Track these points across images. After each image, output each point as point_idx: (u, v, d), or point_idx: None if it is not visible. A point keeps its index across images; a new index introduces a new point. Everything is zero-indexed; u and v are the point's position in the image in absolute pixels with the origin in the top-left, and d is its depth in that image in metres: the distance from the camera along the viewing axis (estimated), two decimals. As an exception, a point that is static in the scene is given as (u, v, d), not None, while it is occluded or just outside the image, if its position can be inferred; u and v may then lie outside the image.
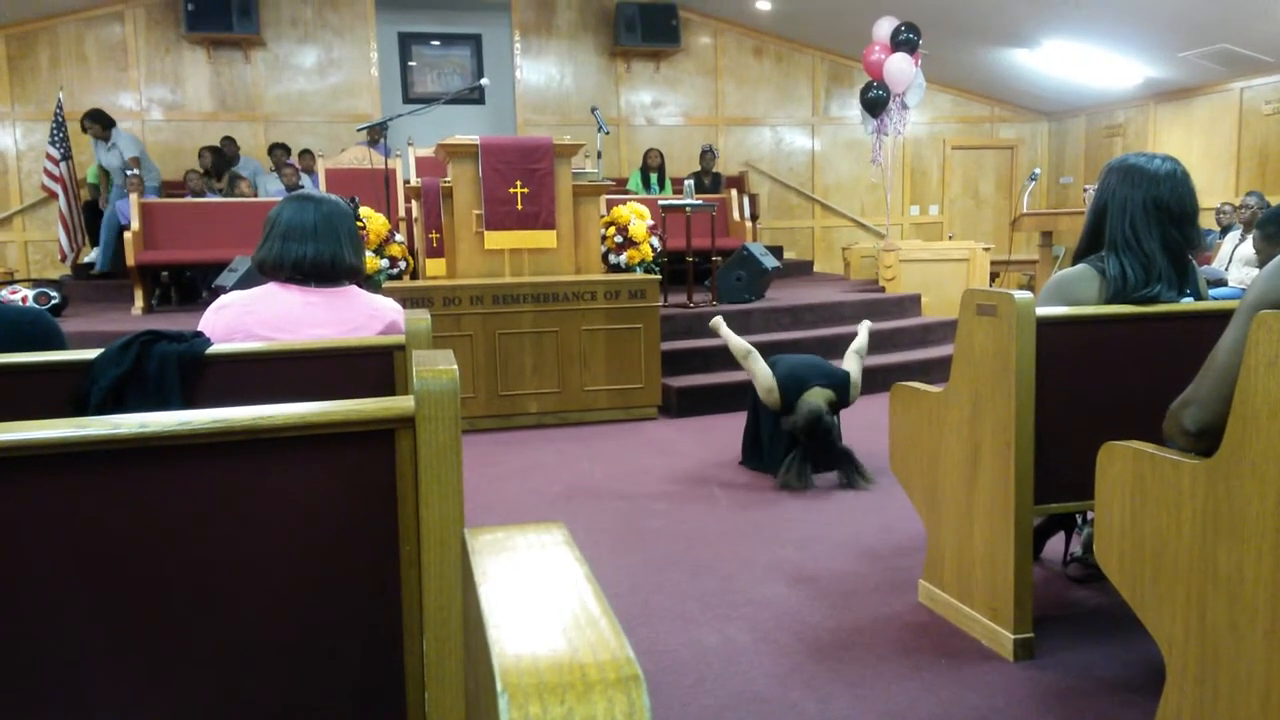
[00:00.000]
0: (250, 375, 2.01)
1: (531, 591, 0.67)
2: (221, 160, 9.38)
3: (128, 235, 7.50)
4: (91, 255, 9.31)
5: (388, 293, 4.87)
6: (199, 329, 2.16)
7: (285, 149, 9.56)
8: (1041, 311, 2.43)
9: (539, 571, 0.71)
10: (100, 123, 8.81)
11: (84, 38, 9.98)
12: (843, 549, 3.41)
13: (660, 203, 6.95)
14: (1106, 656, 2.49)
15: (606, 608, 0.63)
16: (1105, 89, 10.84)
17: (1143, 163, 2.54)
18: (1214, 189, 9.59)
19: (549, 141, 5.81)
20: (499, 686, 0.53)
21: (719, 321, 4.83)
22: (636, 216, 6.28)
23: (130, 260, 7.48)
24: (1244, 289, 3.19)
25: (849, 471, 4.20)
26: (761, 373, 4.36)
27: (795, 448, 4.20)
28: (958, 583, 2.72)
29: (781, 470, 4.19)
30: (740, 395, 5.07)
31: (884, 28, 8.58)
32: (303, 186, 8.78)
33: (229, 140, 9.82)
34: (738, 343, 4.58)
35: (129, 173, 8.91)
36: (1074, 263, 2.67)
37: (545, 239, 5.80)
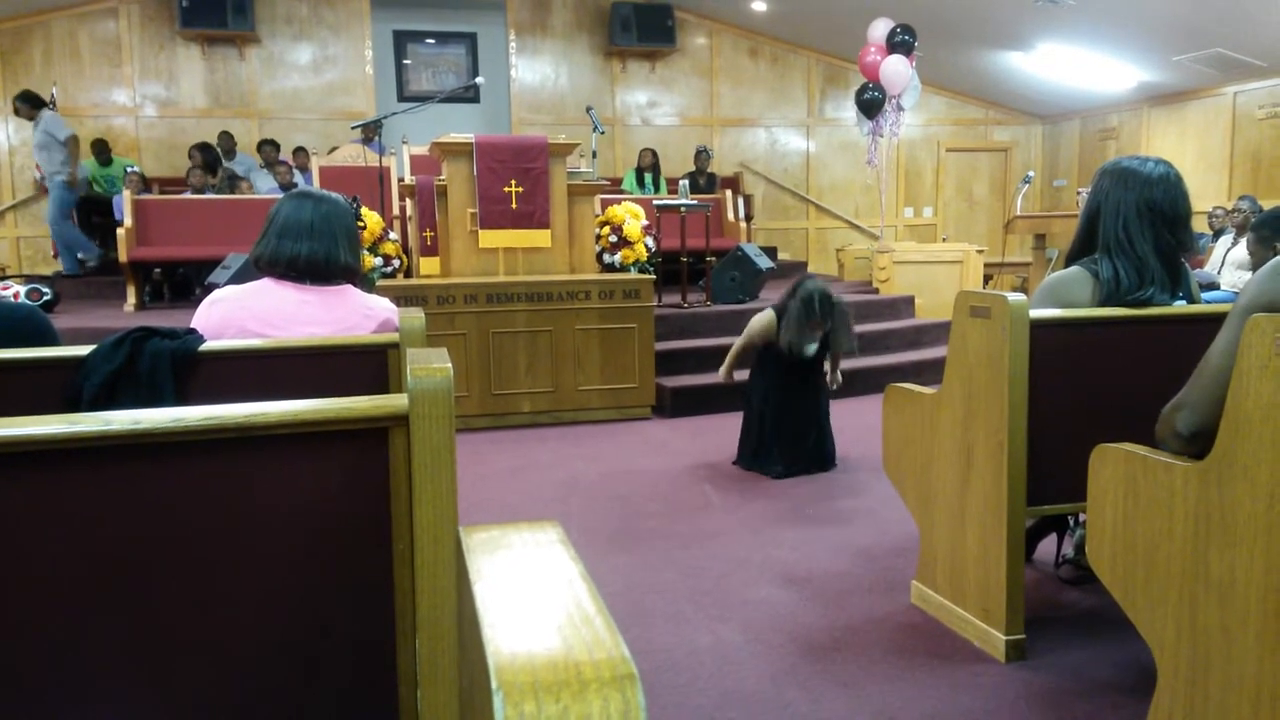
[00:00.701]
0: (243, 373, 2.01)
1: (526, 590, 0.67)
2: (212, 156, 9.36)
3: (121, 232, 7.48)
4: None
5: (382, 291, 4.87)
6: (193, 323, 2.16)
7: (275, 145, 9.52)
8: (1035, 313, 2.44)
9: (534, 570, 0.71)
10: (30, 103, 8.40)
11: (78, 33, 9.94)
12: (836, 549, 3.41)
13: (655, 203, 6.94)
14: (1098, 658, 2.50)
15: (601, 606, 0.62)
16: (1099, 92, 10.87)
17: (1136, 165, 2.55)
18: (1206, 193, 9.63)
19: (544, 141, 5.81)
20: (494, 684, 0.53)
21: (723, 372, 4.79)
22: (631, 216, 6.28)
23: (123, 257, 7.46)
24: (1236, 292, 3.20)
25: (842, 332, 4.36)
26: (755, 320, 4.47)
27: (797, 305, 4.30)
28: (950, 584, 2.73)
29: (783, 329, 4.29)
30: (734, 395, 5.07)
31: (879, 29, 8.59)
32: (296, 184, 8.76)
33: (226, 135, 9.77)
34: (735, 346, 4.65)
35: (129, 169, 8.87)
36: (1067, 265, 2.68)
37: (540, 238, 5.79)
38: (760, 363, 4.54)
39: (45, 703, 1.23)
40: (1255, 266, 3.97)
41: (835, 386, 4.61)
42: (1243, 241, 7.25)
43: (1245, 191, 8.58)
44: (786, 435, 4.40)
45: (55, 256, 9.17)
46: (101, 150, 9.39)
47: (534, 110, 11.14)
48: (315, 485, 1.31)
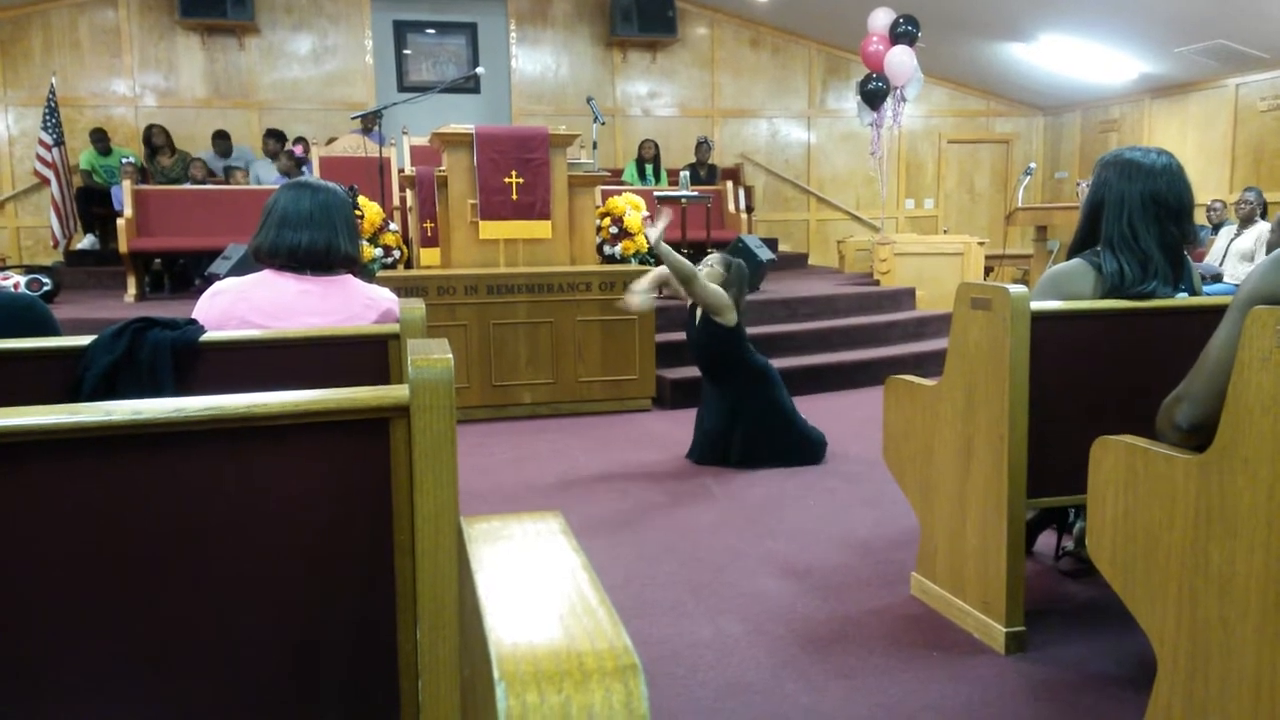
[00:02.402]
0: (244, 363, 2.01)
1: (528, 580, 0.67)
2: (148, 148, 9.37)
3: (121, 222, 7.48)
4: (85, 243, 9.27)
5: (382, 282, 4.85)
6: (193, 315, 2.16)
7: (280, 136, 9.50)
8: (1036, 306, 2.43)
9: (536, 560, 0.71)
10: None
11: (77, 23, 9.91)
12: (836, 541, 3.41)
13: (656, 194, 6.94)
14: (1098, 650, 2.50)
15: (604, 597, 0.62)
16: (1101, 84, 10.84)
17: (1138, 157, 2.53)
18: (1208, 185, 9.61)
19: (545, 131, 5.79)
20: (496, 675, 0.53)
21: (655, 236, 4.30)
22: (632, 208, 6.27)
23: (123, 247, 7.45)
24: (1238, 285, 3.20)
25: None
26: (713, 292, 4.25)
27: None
28: (950, 576, 2.73)
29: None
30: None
31: (880, 19, 8.57)
32: (303, 173, 8.75)
33: (221, 134, 9.73)
34: (677, 262, 4.20)
35: (125, 160, 8.85)
36: (1068, 257, 2.67)
37: (540, 229, 5.79)
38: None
39: (47, 692, 1.23)
40: (1273, 245, 3.95)
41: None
42: (1246, 233, 7.25)
43: (1247, 183, 8.57)
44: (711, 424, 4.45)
45: (55, 246, 9.17)
46: (100, 140, 9.37)
47: (534, 101, 11.11)
48: (316, 475, 1.31)
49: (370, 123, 8.56)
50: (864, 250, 10.40)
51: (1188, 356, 1.80)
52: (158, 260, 8.35)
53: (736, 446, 4.41)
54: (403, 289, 5.09)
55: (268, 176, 9.03)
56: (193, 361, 1.94)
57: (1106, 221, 2.53)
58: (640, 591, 2.98)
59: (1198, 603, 1.67)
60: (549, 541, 0.74)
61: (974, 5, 9.55)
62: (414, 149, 8.40)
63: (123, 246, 7.46)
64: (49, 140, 8.85)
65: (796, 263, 10.68)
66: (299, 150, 9.05)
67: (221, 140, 9.69)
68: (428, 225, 5.80)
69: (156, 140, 9.35)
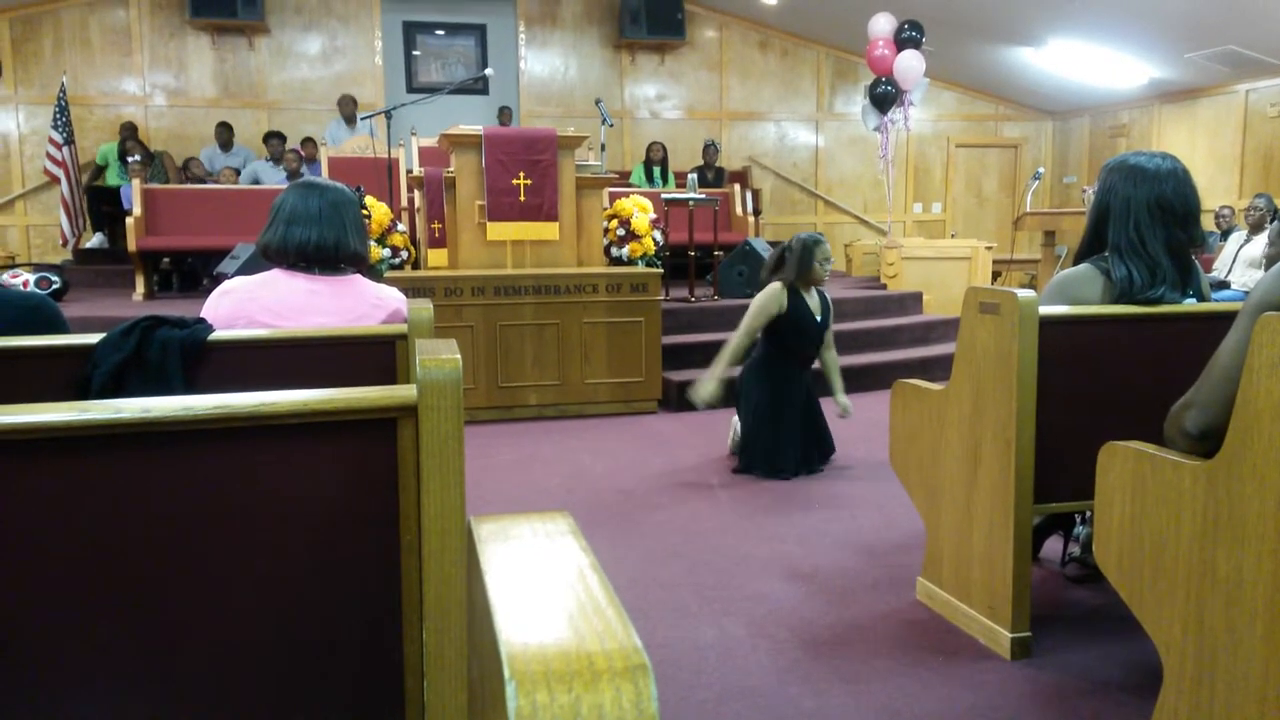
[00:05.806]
0: (252, 362, 2.01)
1: (538, 579, 0.67)
2: (136, 145, 9.31)
3: (130, 221, 7.50)
4: (94, 241, 9.30)
5: (390, 282, 4.86)
6: (203, 314, 2.16)
7: (281, 137, 9.49)
8: (1044, 310, 2.43)
9: (545, 560, 0.71)
10: None
11: (88, 22, 9.96)
12: (841, 545, 3.41)
13: (663, 196, 6.94)
14: (1104, 657, 2.50)
15: (613, 597, 0.63)
16: (1110, 89, 10.82)
17: (1143, 162, 2.52)
18: (1217, 191, 9.58)
19: (553, 133, 5.80)
20: (507, 674, 0.53)
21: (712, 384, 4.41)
22: (639, 210, 6.27)
23: (132, 246, 7.48)
24: (1247, 291, 3.19)
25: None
26: (757, 300, 4.39)
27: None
28: (956, 581, 2.72)
29: (793, 271, 4.37)
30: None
31: (880, 24, 8.55)
32: (303, 174, 8.75)
33: (224, 126, 9.74)
34: (735, 342, 4.42)
35: (130, 159, 8.87)
36: (1075, 263, 2.67)
37: (548, 231, 5.79)
38: (761, 361, 4.45)
39: (53, 689, 1.24)
40: (1273, 259, 3.93)
41: (846, 414, 4.46)
42: (1255, 239, 7.22)
43: (1257, 190, 8.54)
44: (796, 430, 4.35)
45: (64, 244, 9.20)
46: (127, 127, 9.37)
47: (542, 102, 11.13)
48: (324, 475, 1.32)
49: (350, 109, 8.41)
50: (871, 254, 10.38)
51: (1196, 363, 1.80)
52: (166, 259, 8.36)
53: (828, 437, 4.51)
54: (410, 289, 5.10)
55: (267, 178, 9.01)
56: (201, 360, 1.95)
57: (1113, 227, 2.53)
58: (644, 593, 2.98)
59: (1205, 610, 1.67)
60: (558, 541, 0.74)
61: (983, 9, 9.54)
62: (422, 150, 8.41)
63: (131, 245, 7.48)
64: (59, 139, 8.88)
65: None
66: (302, 151, 9.06)
67: (224, 130, 9.67)
68: (435, 226, 5.80)
69: (131, 152, 9.17)
